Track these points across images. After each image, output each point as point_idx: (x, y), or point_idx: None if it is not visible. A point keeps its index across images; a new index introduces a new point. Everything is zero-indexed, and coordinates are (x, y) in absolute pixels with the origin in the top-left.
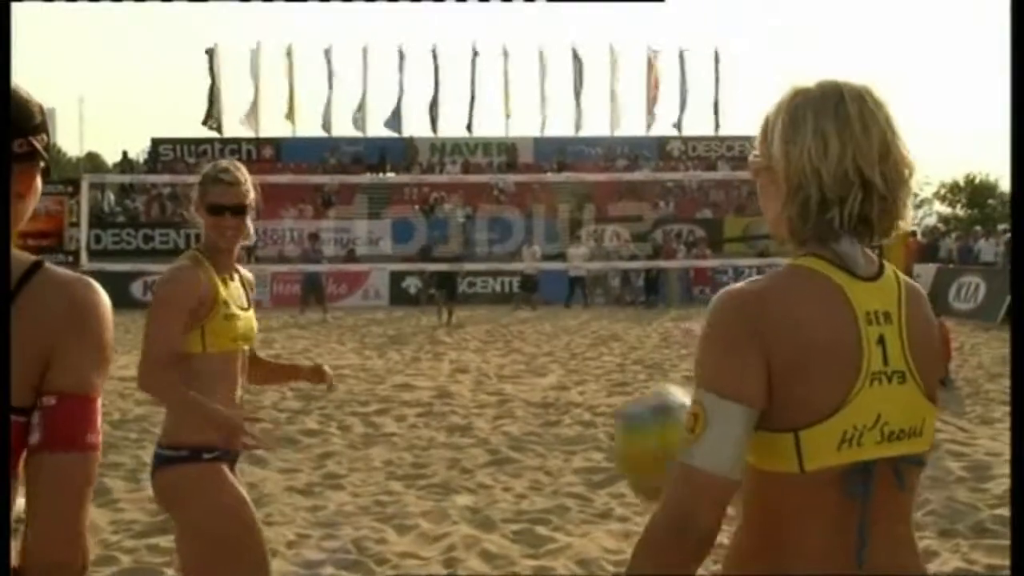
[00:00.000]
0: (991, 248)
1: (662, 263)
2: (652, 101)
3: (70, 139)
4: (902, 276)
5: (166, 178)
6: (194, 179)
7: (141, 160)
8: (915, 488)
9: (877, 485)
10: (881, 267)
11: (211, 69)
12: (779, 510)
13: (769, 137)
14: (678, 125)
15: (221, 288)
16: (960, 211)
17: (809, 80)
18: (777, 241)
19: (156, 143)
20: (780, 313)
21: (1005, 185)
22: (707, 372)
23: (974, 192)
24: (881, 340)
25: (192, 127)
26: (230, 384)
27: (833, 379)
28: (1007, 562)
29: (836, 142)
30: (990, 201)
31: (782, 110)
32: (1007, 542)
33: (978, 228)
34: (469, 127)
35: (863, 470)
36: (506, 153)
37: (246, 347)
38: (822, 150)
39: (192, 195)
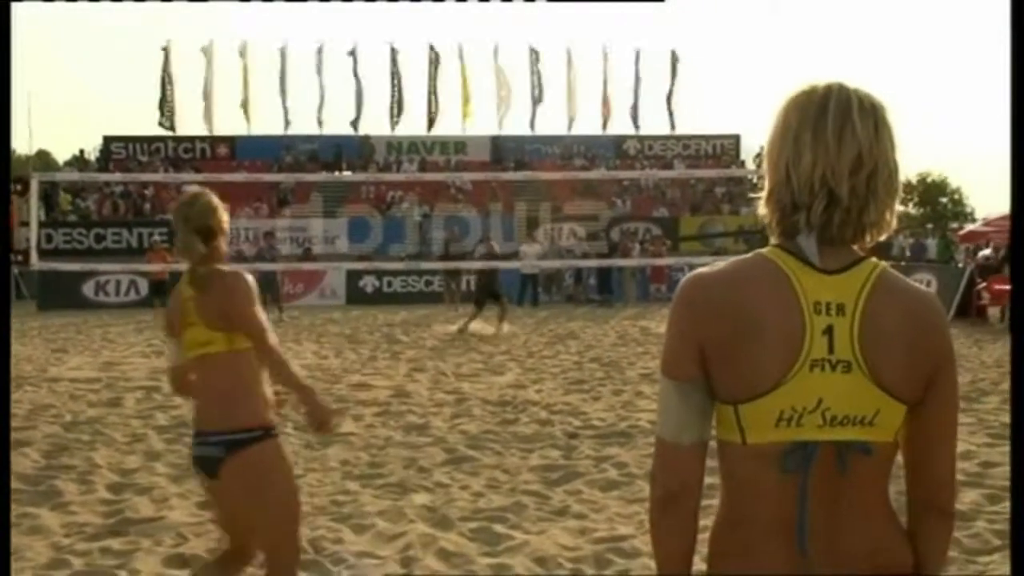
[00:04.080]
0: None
1: (618, 261)
2: (605, 101)
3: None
4: (886, 274)
5: (118, 176)
6: (148, 177)
7: (93, 158)
8: (871, 476)
9: (818, 467)
10: (856, 263)
11: (164, 67)
12: (733, 478)
13: (767, 134)
14: (635, 123)
15: None
16: (912, 209)
17: (814, 81)
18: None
19: (108, 141)
20: (718, 295)
21: (955, 183)
22: (662, 352)
23: (926, 191)
24: (829, 330)
25: (145, 125)
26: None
27: (770, 359)
28: (956, 553)
29: (809, 153)
30: (941, 199)
31: (779, 111)
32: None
33: (930, 225)
34: (429, 126)
35: (802, 449)
36: (463, 152)
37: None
38: (797, 159)
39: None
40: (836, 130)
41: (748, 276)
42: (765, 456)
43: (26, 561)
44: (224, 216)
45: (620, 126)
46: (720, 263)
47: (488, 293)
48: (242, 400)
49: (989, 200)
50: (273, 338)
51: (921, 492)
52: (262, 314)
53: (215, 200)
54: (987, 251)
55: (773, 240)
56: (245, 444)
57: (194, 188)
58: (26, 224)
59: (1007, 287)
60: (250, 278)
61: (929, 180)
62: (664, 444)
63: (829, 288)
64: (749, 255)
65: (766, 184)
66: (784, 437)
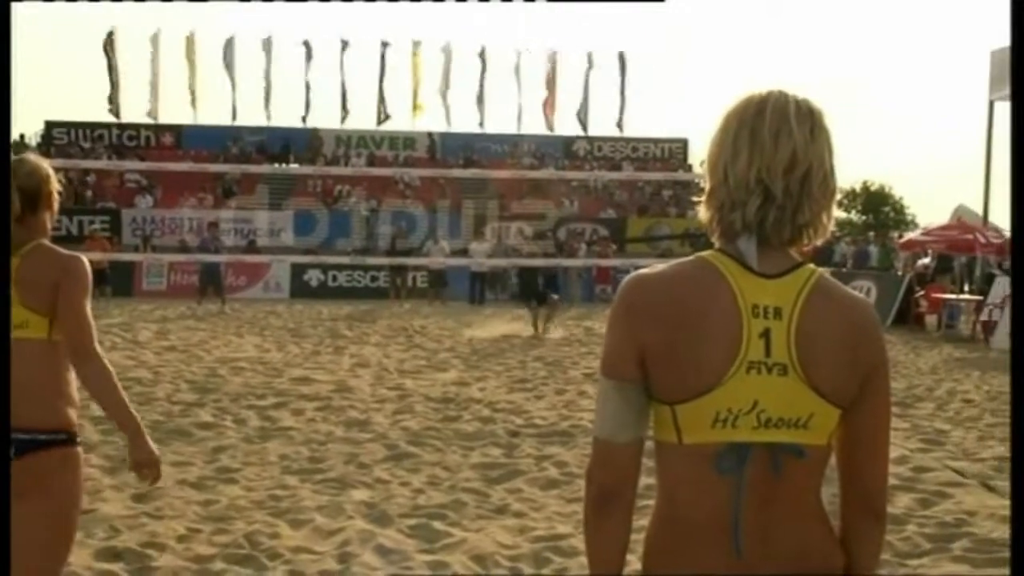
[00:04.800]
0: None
1: (564, 261)
2: (549, 102)
3: None
4: (823, 280)
5: (59, 163)
6: (89, 164)
7: (34, 143)
8: (804, 478)
9: (753, 468)
10: (794, 268)
11: (108, 53)
12: (670, 477)
13: (707, 141)
14: (583, 125)
15: None
16: (855, 216)
17: (754, 89)
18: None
19: (50, 126)
20: (659, 296)
21: (898, 192)
22: (602, 351)
23: (869, 199)
24: (766, 333)
25: (90, 111)
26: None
27: (706, 361)
28: (888, 556)
29: (746, 152)
30: (883, 208)
31: (719, 118)
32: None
33: (871, 233)
34: (380, 120)
35: (736, 450)
36: (412, 148)
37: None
38: (734, 158)
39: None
40: (772, 130)
41: (688, 279)
42: (701, 456)
43: None
44: (54, 192)
45: (568, 127)
46: (661, 265)
47: (532, 292)
48: (50, 397)
49: (931, 211)
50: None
51: (854, 495)
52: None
53: (50, 171)
54: (926, 260)
55: (714, 242)
56: (41, 447)
57: (31, 156)
58: None
59: (944, 296)
60: (87, 265)
61: (872, 188)
62: (601, 443)
63: (767, 292)
64: (690, 258)
65: (706, 186)
66: (719, 438)
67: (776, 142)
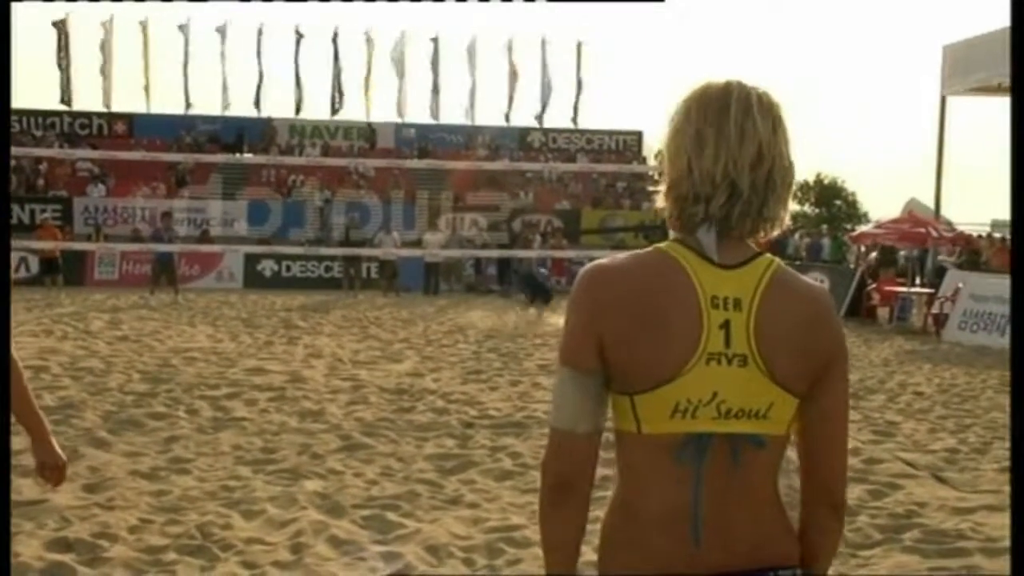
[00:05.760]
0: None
1: (518, 252)
2: (511, 91)
3: None
4: (781, 270)
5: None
6: (41, 152)
7: None
8: (762, 469)
9: (712, 459)
10: (752, 259)
11: (60, 40)
12: (629, 467)
13: (664, 130)
14: (539, 117)
15: None
16: (808, 209)
17: (712, 79)
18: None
19: None
20: (619, 287)
21: (851, 186)
22: (561, 341)
23: (822, 192)
24: (726, 324)
25: (41, 99)
26: None
27: (666, 352)
28: (840, 548)
29: (712, 147)
30: (836, 201)
31: (678, 107)
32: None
33: (824, 226)
34: (334, 111)
35: (696, 441)
36: (365, 138)
37: None
38: (699, 152)
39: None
40: (738, 125)
41: (648, 270)
42: (660, 447)
43: None
44: None
45: (523, 118)
46: (620, 255)
47: (528, 284)
48: None
49: (883, 205)
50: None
51: (814, 485)
52: None
53: None
54: (876, 253)
55: (672, 234)
56: None
57: None
58: None
59: (896, 289)
60: None
61: (826, 181)
62: (559, 433)
63: (726, 283)
64: (648, 249)
65: (665, 178)
66: (679, 428)
67: (742, 137)
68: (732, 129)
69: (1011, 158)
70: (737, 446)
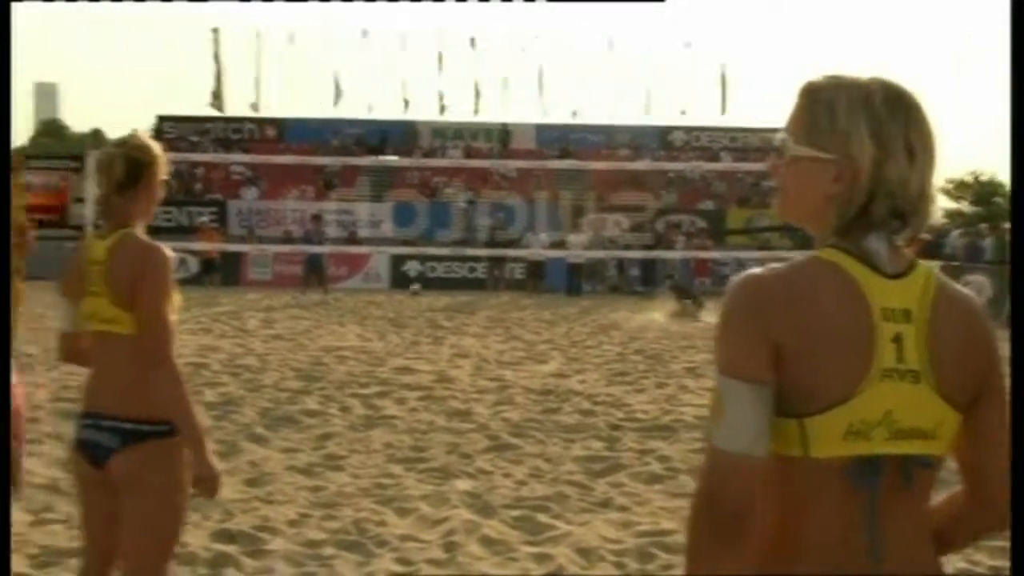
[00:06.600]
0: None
1: (662, 253)
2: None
3: (76, 115)
4: (940, 278)
5: (169, 156)
6: (198, 157)
7: None
8: (926, 490)
9: (885, 481)
10: (912, 266)
11: (215, 49)
12: (790, 494)
13: (835, 127)
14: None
15: None
16: (966, 207)
17: (850, 73)
18: (799, 226)
19: (161, 120)
20: (789, 300)
21: (1008, 181)
22: (720, 355)
23: (980, 189)
24: (897, 338)
25: (198, 106)
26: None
27: (841, 371)
28: (1008, 563)
29: (875, 147)
30: (995, 199)
31: (826, 103)
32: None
33: (983, 225)
34: (475, 111)
35: (870, 464)
36: (500, 139)
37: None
38: (862, 153)
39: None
40: (901, 126)
41: (813, 281)
42: (829, 471)
43: None
44: (159, 176)
45: (667, 116)
46: (775, 265)
47: (678, 288)
48: (147, 389)
49: None
50: (173, 351)
51: (979, 501)
52: (173, 315)
53: (160, 154)
54: None
55: (825, 238)
56: (145, 437)
57: (144, 135)
58: (81, 200)
59: None
60: (171, 260)
61: (983, 179)
62: (732, 456)
63: (895, 294)
64: (806, 257)
65: (841, 183)
66: (851, 451)
67: (907, 139)
68: (895, 130)
69: (1011, 158)
70: (909, 468)
